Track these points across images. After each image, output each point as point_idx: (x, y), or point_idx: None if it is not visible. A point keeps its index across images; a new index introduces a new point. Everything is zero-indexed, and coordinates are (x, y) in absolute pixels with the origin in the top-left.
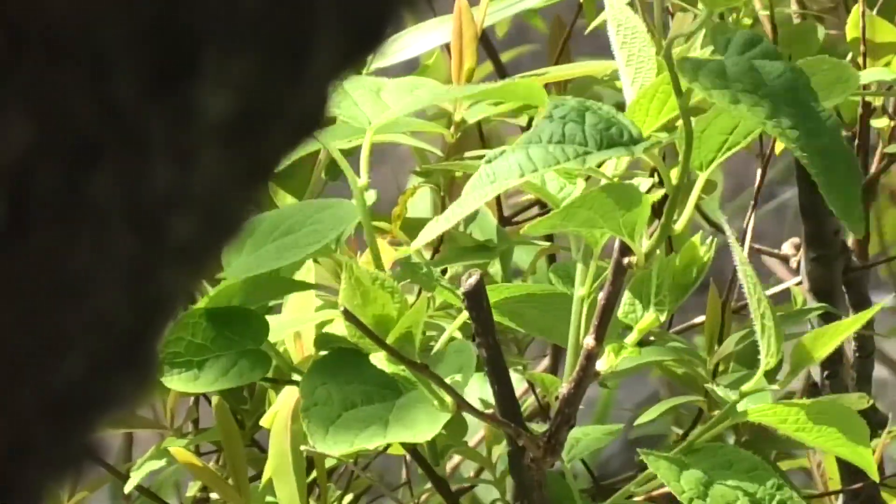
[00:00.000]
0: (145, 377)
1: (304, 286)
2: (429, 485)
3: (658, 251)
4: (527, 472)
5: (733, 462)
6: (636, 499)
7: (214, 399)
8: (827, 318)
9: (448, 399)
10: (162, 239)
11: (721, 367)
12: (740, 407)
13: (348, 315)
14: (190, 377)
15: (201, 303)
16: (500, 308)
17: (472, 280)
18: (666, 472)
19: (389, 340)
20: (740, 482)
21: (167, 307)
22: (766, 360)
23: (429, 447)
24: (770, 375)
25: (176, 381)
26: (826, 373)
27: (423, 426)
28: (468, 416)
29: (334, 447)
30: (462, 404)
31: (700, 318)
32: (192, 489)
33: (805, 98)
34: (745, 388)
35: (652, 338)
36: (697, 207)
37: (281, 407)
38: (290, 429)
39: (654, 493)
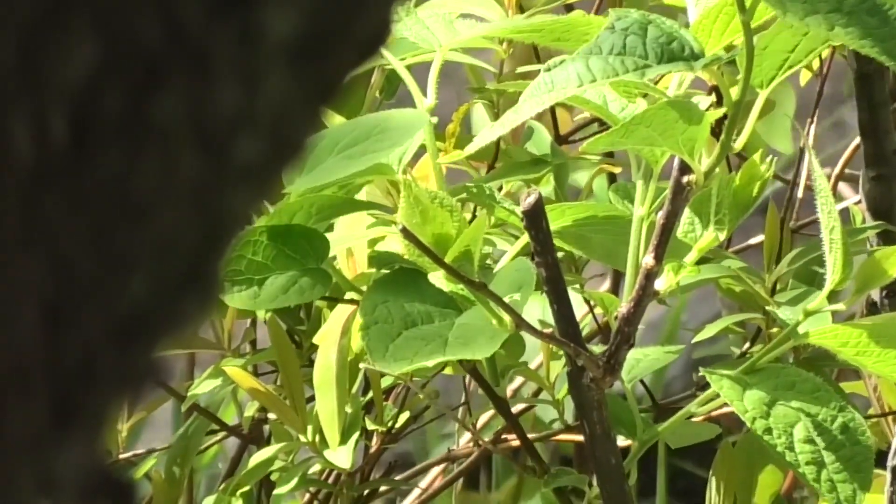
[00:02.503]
0: (209, 297)
1: (363, 205)
2: (489, 405)
3: (718, 169)
4: (586, 392)
5: (796, 383)
6: (696, 419)
7: (269, 319)
8: (886, 236)
9: (506, 318)
10: (227, 160)
11: (779, 286)
12: (801, 328)
13: (407, 234)
14: (250, 295)
15: (262, 221)
16: (561, 234)
17: (531, 199)
18: (729, 392)
19: (448, 259)
20: (802, 403)
21: (231, 228)
22: (832, 279)
23: (489, 367)
24: (834, 296)
25: (236, 299)
26: (885, 292)
27: (483, 344)
28: (528, 337)
29: (394, 365)
30: (520, 323)
31: (759, 238)
32: (251, 409)
33: (877, 2)
34: (808, 307)
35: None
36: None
37: (332, 322)
38: (339, 343)
39: (714, 413)
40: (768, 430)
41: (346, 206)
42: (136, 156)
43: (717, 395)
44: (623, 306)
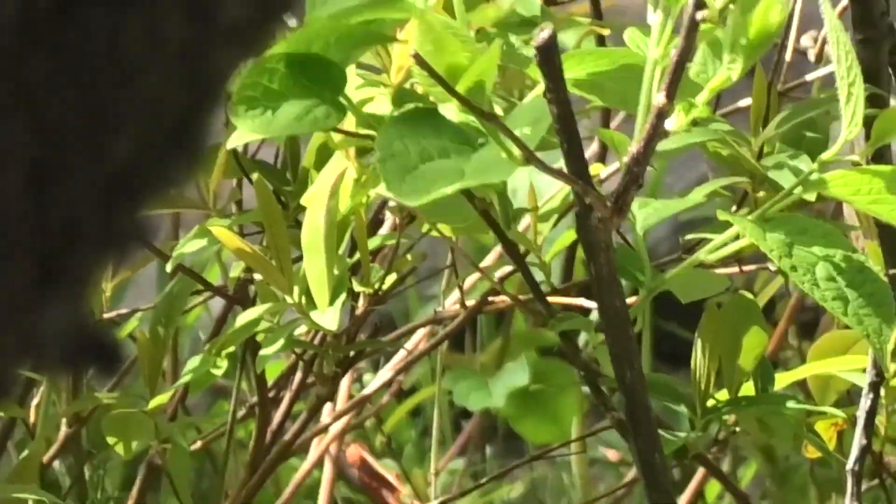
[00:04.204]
0: (194, 157)
1: (382, 39)
2: (474, 272)
3: (732, 6)
4: (594, 232)
5: (808, 228)
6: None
7: (255, 179)
8: (872, 99)
9: (517, 151)
10: (213, 18)
11: (766, 149)
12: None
13: (420, 61)
14: (264, 121)
15: (280, 47)
16: (578, 83)
17: (545, 34)
18: (753, 232)
19: (460, 89)
20: (819, 247)
21: (217, 87)
22: (847, 129)
23: (501, 209)
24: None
25: (249, 124)
26: None
27: (499, 171)
28: (512, 196)
29: (412, 195)
30: (530, 156)
31: (747, 101)
32: (236, 270)
33: None
34: (824, 156)
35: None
36: None
37: (320, 183)
38: (327, 205)
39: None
40: (794, 268)
41: (365, 38)
42: (122, 16)
43: (724, 245)
44: (633, 146)
